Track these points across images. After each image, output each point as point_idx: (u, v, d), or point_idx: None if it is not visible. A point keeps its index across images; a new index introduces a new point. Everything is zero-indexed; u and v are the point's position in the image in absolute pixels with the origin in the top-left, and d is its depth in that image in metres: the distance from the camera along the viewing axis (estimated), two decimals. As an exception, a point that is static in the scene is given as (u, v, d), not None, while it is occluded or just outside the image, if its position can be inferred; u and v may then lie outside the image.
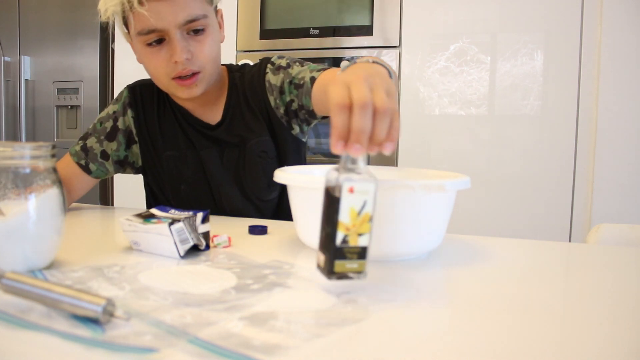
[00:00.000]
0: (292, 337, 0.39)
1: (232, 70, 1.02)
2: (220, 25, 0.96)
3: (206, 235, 0.66)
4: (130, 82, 1.03)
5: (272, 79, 0.97)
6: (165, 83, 0.90)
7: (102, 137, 1.00)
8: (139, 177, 1.14)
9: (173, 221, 0.61)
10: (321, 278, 0.50)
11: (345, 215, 0.48)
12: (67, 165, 0.99)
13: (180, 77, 0.88)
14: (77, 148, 1.00)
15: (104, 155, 1.00)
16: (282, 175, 0.67)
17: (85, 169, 0.99)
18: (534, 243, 0.78)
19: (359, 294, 0.50)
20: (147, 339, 0.38)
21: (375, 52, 1.90)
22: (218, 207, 1.00)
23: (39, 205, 0.53)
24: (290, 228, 0.82)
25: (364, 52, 1.91)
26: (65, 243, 0.58)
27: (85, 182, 1.00)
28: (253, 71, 1.00)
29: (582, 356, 0.38)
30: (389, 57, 1.88)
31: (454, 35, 1.82)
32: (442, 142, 1.85)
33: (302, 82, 0.93)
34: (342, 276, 0.49)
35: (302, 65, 0.96)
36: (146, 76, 0.96)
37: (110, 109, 1.02)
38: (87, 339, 0.38)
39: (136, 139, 1.01)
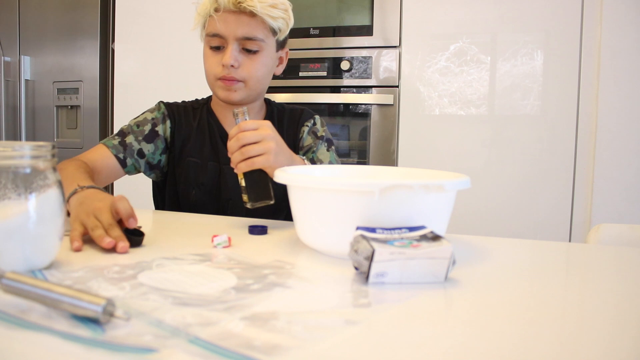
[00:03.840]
0: (293, 338, 0.39)
1: (270, 103, 1.17)
2: (281, 61, 1.10)
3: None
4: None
5: (307, 139, 1.12)
6: (212, 81, 1.04)
7: (140, 138, 1.06)
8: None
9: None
10: (321, 278, 0.50)
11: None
12: (104, 156, 1.02)
13: (224, 79, 1.02)
14: (115, 142, 1.04)
15: (140, 153, 1.06)
16: (282, 175, 0.67)
17: (122, 162, 1.04)
18: (534, 243, 0.78)
19: (359, 295, 0.50)
20: (147, 339, 0.38)
21: (375, 52, 1.89)
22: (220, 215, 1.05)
23: (39, 205, 0.53)
24: (290, 228, 0.82)
25: (364, 52, 1.91)
26: (65, 243, 0.58)
27: (115, 175, 1.05)
28: (292, 108, 1.16)
29: (582, 356, 0.38)
30: (389, 57, 1.88)
31: (454, 35, 1.82)
32: (442, 142, 1.84)
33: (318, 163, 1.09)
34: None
35: (328, 149, 1.12)
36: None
37: (148, 115, 1.10)
38: (87, 339, 0.38)
39: (169, 148, 1.10)
